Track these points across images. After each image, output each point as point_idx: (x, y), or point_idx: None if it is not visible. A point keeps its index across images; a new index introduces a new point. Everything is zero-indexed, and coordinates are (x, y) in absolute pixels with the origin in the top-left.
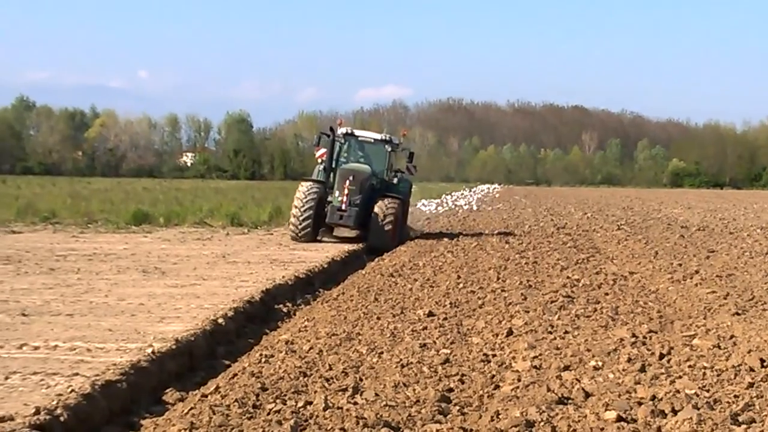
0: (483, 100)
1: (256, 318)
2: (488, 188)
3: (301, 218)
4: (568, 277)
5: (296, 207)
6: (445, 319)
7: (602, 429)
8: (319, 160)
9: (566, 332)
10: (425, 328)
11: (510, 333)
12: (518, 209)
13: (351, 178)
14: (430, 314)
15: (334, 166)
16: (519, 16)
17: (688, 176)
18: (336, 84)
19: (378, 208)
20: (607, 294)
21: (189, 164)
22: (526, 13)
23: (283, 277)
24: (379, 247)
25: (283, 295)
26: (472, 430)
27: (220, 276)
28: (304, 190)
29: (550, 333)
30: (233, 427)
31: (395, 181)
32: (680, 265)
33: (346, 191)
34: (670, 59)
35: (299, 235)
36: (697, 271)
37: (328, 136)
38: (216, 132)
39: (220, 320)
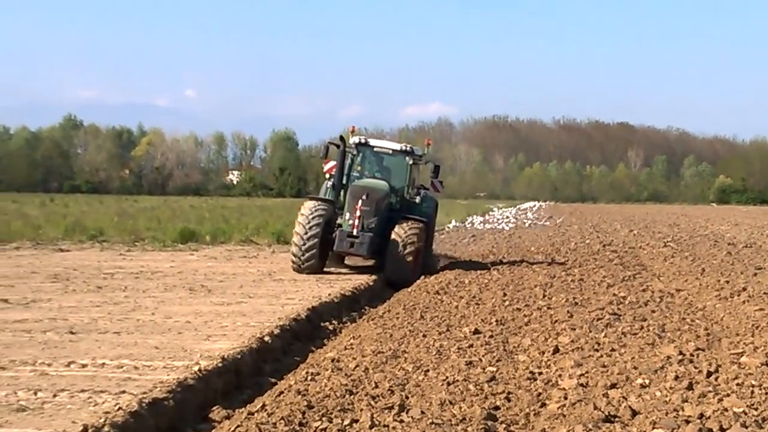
0: (528, 117)
1: (302, 336)
2: (533, 205)
3: (304, 245)
4: (614, 295)
5: (298, 231)
6: (491, 336)
7: None
8: (327, 175)
9: (613, 350)
10: (471, 345)
11: (556, 350)
12: (564, 226)
13: (365, 197)
14: (476, 332)
15: (345, 182)
16: (564, 33)
17: (734, 193)
18: (381, 101)
19: (397, 233)
20: (653, 311)
21: (235, 182)
22: (571, 30)
23: (329, 294)
24: (397, 281)
25: (329, 312)
26: None
27: (266, 294)
28: (307, 210)
29: (597, 351)
30: None
31: (417, 199)
32: (727, 282)
33: (358, 213)
34: (717, 75)
35: (302, 265)
36: (744, 288)
37: (338, 146)
38: (262, 150)
39: (267, 338)
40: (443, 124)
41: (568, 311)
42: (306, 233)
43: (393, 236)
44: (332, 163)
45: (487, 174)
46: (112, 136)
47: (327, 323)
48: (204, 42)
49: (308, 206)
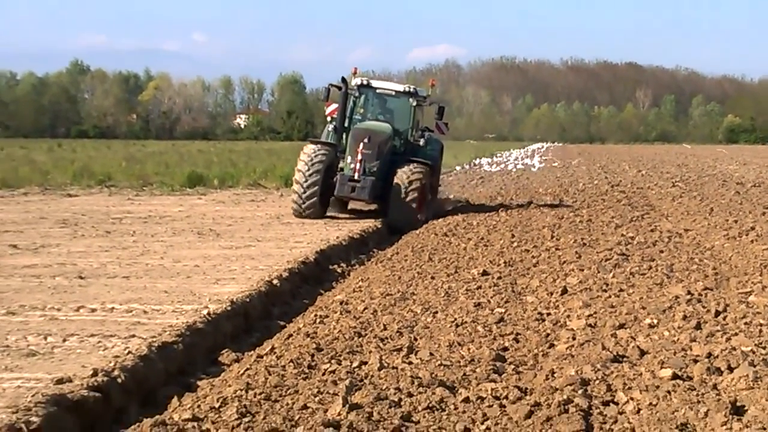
0: (536, 58)
1: (311, 279)
2: (542, 146)
3: (305, 190)
4: (622, 235)
5: (298, 177)
6: (500, 278)
7: (658, 387)
8: (329, 118)
9: (621, 290)
10: (479, 287)
11: (564, 291)
12: (572, 167)
13: (366, 139)
14: (485, 273)
15: (347, 125)
16: None
17: (743, 132)
18: (389, 44)
19: (400, 176)
20: (662, 251)
21: (242, 126)
22: None
23: (338, 237)
24: (401, 226)
25: (338, 255)
26: (527, 388)
27: (274, 237)
28: (308, 155)
29: (605, 291)
30: (289, 387)
31: (422, 142)
32: (736, 221)
33: (359, 156)
34: (725, 14)
35: (303, 210)
36: (752, 228)
37: (340, 88)
38: (269, 94)
39: (275, 281)
40: (451, 66)
41: (576, 252)
42: (307, 178)
43: (396, 180)
44: (334, 106)
45: (495, 115)
46: (119, 80)
47: (335, 266)
48: None
49: (309, 150)
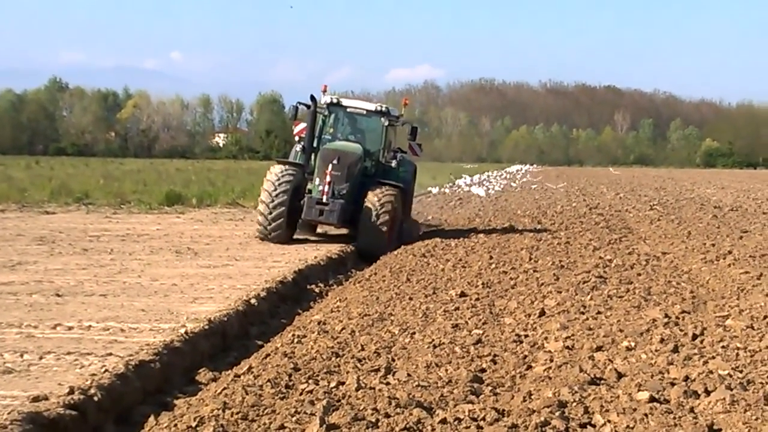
0: (515, 80)
1: (289, 298)
2: (520, 168)
3: (270, 213)
4: (600, 258)
5: (264, 198)
6: (478, 299)
7: (635, 409)
8: (297, 138)
9: (599, 313)
10: (457, 308)
11: (542, 313)
12: (550, 190)
13: (335, 160)
14: (462, 294)
15: (316, 144)
16: None
17: (721, 156)
18: (368, 64)
19: (370, 199)
20: (639, 274)
21: (221, 145)
22: None
23: (315, 257)
24: (371, 251)
25: (316, 275)
26: (504, 410)
27: (252, 256)
28: (274, 175)
29: (583, 313)
30: (266, 407)
31: (394, 164)
32: (713, 245)
33: (328, 178)
34: (703, 38)
35: (268, 233)
36: (730, 252)
37: (308, 106)
38: (248, 113)
39: (253, 300)
40: (430, 87)
41: (554, 274)
42: (273, 200)
43: (366, 203)
44: (302, 125)
45: (473, 137)
46: (97, 98)
47: (313, 286)
48: (192, 4)
49: (275, 171)
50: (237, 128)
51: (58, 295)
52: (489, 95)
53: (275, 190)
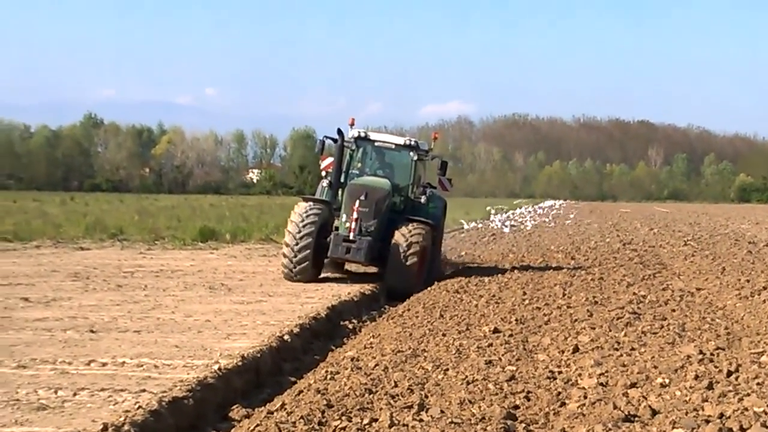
0: (548, 116)
1: (322, 334)
2: (554, 203)
3: (296, 251)
4: (634, 294)
5: (289, 236)
6: (511, 335)
7: None
8: (324, 173)
9: (633, 349)
10: (491, 344)
11: (576, 350)
12: (584, 225)
13: (363, 196)
14: (496, 331)
15: (343, 180)
16: (584, 32)
17: (755, 191)
18: (401, 99)
19: (399, 236)
20: (673, 310)
21: (255, 180)
22: (591, 29)
23: (349, 293)
24: (400, 290)
25: (349, 311)
26: None
27: (285, 292)
28: (300, 212)
29: (617, 350)
30: None
31: (423, 199)
32: (748, 281)
33: (355, 215)
34: (738, 73)
35: (294, 272)
36: (765, 288)
37: (335, 140)
38: (282, 148)
39: (286, 337)
40: (463, 123)
41: (587, 310)
42: (298, 238)
43: (394, 240)
44: (329, 160)
45: (506, 172)
46: (132, 134)
47: (347, 322)
48: (226, 40)
49: (301, 207)
50: (271, 164)
51: (92, 332)
52: (522, 130)
53: (300, 228)
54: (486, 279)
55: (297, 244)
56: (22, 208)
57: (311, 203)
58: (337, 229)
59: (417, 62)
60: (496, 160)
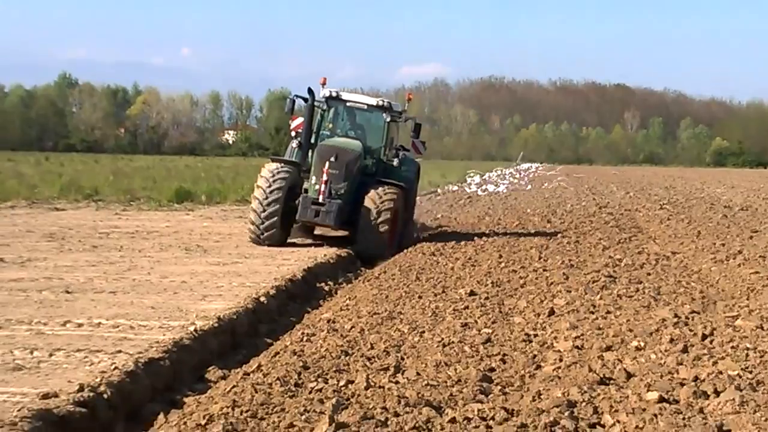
0: (525, 78)
1: (298, 296)
2: (530, 166)
3: (263, 213)
4: (610, 257)
5: (257, 197)
6: (487, 298)
7: (644, 410)
8: (293, 134)
9: (608, 312)
10: (467, 307)
11: (552, 313)
12: (560, 189)
13: (333, 158)
14: (472, 293)
15: (313, 141)
16: None
17: (731, 155)
18: (377, 61)
19: (370, 199)
20: (649, 274)
21: (231, 142)
22: None
23: (325, 255)
24: (370, 253)
25: (325, 273)
26: (513, 410)
27: (261, 254)
28: (268, 174)
29: (592, 313)
30: (275, 405)
31: (396, 162)
32: (723, 245)
33: (325, 177)
34: (713, 36)
35: (261, 236)
36: (740, 252)
37: (306, 100)
38: (258, 110)
39: (262, 298)
40: (439, 85)
41: (563, 273)
42: (266, 200)
43: (366, 202)
44: (299, 120)
45: (483, 135)
46: (107, 94)
47: (323, 284)
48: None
49: (269, 169)
50: (246, 125)
51: (68, 292)
52: (498, 93)
53: (268, 189)
54: (462, 242)
55: (265, 207)
56: None
57: (279, 164)
58: (306, 191)
59: (395, 23)
60: (473, 123)
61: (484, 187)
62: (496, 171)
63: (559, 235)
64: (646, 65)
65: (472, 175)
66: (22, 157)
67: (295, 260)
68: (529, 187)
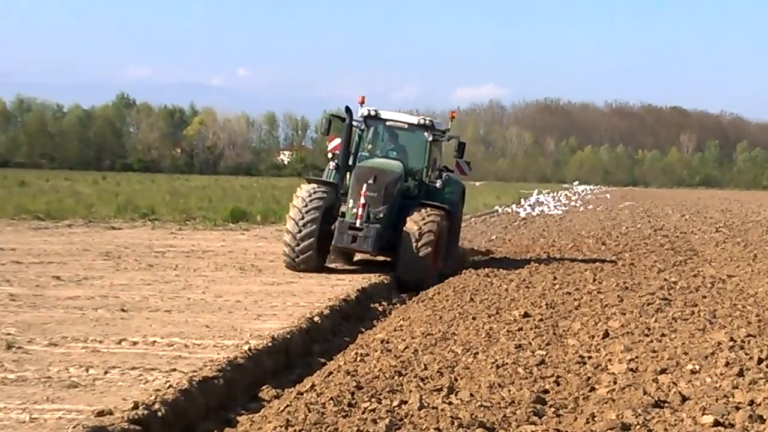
0: (580, 100)
1: (352, 316)
2: (585, 188)
3: (298, 237)
4: (665, 280)
5: (292, 220)
6: (541, 320)
7: None
8: (330, 155)
9: (663, 335)
10: (521, 328)
11: (606, 335)
12: (615, 210)
13: (371, 180)
14: (526, 315)
15: (351, 162)
16: (618, 16)
17: None
18: (435, 83)
19: (411, 223)
20: (704, 297)
21: (286, 162)
22: (625, 13)
23: (380, 275)
24: (412, 282)
25: (379, 293)
26: None
27: (316, 274)
28: (304, 195)
29: (647, 336)
30: (328, 425)
31: (439, 184)
32: None
33: (363, 200)
34: None
35: (296, 261)
36: None
37: (343, 119)
38: (313, 131)
39: (316, 318)
40: (495, 107)
41: (618, 296)
42: (301, 223)
43: (406, 227)
44: (337, 141)
45: (537, 157)
46: (164, 115)
47: (377, 304)
48: (259, 22)
49: (305, 190)
50: (302, 146)
51: (123, 311)
52: (554, 115)
53: (304, 212)
54: (516, 263)
55: (300, 230)
56: (55, 187)
57: (316, 185)
58: (343, 215)
59: (452, 45)
60: (528, 145)
61: (539, 209)
62: (548, 193)
63: (614, 257)
64: (703, 88)
65: (527, 197)
66: (79, 176)
67: (349, 280)
68: (582, 208)
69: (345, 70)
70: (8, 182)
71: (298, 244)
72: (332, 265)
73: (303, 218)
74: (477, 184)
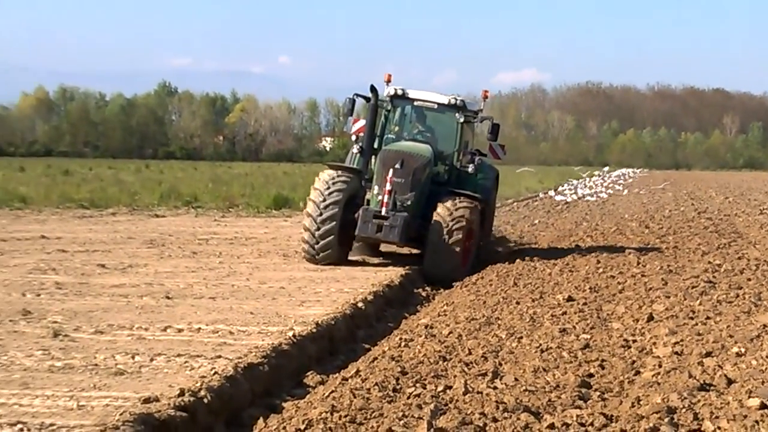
0: (622, 83)
1: (396, 302)
2: (626, 172)
3: (318, 227)
4: (709, 262)
5: (311, 208)
6: (585, 304)
7: (745, 416)
8: (354, 137)
9: (708, 318)
10: (565, 313)
11: (651, 318)
12: (658, 193)
13: (399, 164)
14: (570, 299)
15: (376, 145)
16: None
17: None
18: (475, 67)
19: (440, 213)
20: (749, 279)
21: (328, 148)
22: None
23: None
24: (441, 275)
25: (423, 279)
26: (612, 416)
27: (359, 260)
28: (324, 183)
29: (692, 319)
30: (374, 410)
31: (471, 168)
32: None
33: (388, 186)
34: None
35: (316, 252)
36: None
37: (368, 99)
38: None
39: (360, 304)
40: (536, 91)
41: (662, 279)
42: (321, 212)
43: (435, 216)
44: (361, 123)
45: (580, 140)
46: (206, 102)
47: (420, 289)
48: (299, 9)
49: (325, 177)
50: (344, 132)
51: (168, 298)
52: (596, 99)
53: (324, 201)
54: (559, 247)
55: (320, 219)
56: (98, 175)
57: (337, 172)
58: (368, 203)
59: (493, 30)
60: (570, 129)
61: (581, 192)
62: (593, 177)
63: (658, 241)
64: (746, 69)
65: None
66: (122, 164)
67: (392, 266)
68: (626, 192)
69: (385, 55)
70: (52, 171)
71: (318, 236)
72: (356, 258)
73: (323, 207)
74: (520, 170)
